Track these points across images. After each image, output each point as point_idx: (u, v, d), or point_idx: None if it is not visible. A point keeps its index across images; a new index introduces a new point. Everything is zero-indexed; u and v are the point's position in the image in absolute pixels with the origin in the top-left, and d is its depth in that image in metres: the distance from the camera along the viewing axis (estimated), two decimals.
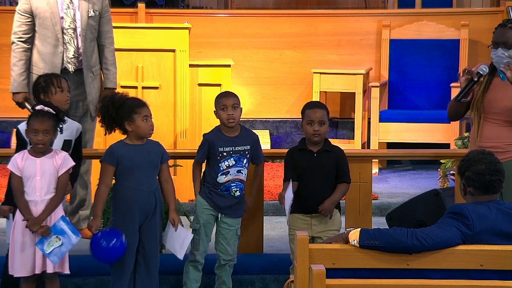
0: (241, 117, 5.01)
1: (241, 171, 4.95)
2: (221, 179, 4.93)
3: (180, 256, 4.84)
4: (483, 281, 3.62)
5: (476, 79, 4.55)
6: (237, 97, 5.03)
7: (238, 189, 4.94)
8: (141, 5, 7.52)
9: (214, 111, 5.01)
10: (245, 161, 4.96)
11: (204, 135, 5.07)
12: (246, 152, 4.96)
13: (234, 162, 4.93)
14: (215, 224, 5.01)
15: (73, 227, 4.65)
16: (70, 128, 4.90)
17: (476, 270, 3.67)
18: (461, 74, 4.62)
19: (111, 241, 4.62)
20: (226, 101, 4.95)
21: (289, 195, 4.80)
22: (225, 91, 5.25)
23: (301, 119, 5.02)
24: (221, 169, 4.93)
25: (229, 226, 4.98)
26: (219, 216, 4.97)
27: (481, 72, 4.54)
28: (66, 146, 4.86)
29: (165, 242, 4.91)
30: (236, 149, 4.94)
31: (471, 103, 4.67)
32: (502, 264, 3.67)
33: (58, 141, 4.80)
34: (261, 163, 5.11)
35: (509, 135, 4.58)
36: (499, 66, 4.54)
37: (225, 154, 4.93)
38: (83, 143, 5.69)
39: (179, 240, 4.83)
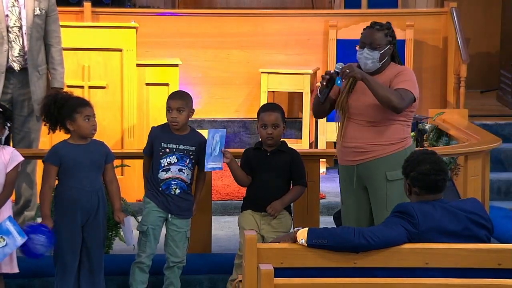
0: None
1: (183, 170, 4.94)
2: (162, 175, 4.93)
3: (133, 241, 4.87)
4: (428, 279, 3.67)
5: (333, 75, 4.58)
6: (186, 99, 4.99)
7: (178, 187, 4.94)
8: (87, 4, 7.46)
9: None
10: (188, 161, 4.95)
11: (152, 127, 5.09)
12: (190, 153, 4.95)
13: (176, 160, 4.93)
14: (164, 226, 5.00)
15: (20, 228, 4.62)
16: None
17: (422, 268, 3.72)
18: (321, 79, 4.64)
19: (37, 235, 4.62)
20: (172, 103, 4.95)
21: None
22: (176, 92, 5.22)
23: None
24: (162, 165, 4.93)
25: (178, 228, 4.97)
26: (169, 217, 4.96)
27: (337, 70, 4.59)
28: None
29: (128, 242, 4.90)
30: (179, 147, 4.94)
31: (336, 103, 4.72)
32: (447, 262, 3.73)
33: None
34: (204, 171, 5.04)
35: (370, 135, 4.64)
36: (363, 66, 4.62)
37: (167, 150, 4.93)
38: (29, 143, 5.64)
39: (130, 231, 4.85)
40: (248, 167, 4.94)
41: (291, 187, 5.00)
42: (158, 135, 4.97)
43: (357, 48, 4.67)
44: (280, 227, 4.94)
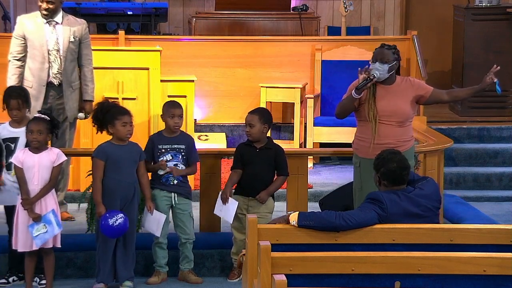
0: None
1: (178, 165, 4.97)
2: (161, 171, 4.95)
3: (158, 234, 4.88)
4: (395, 252, 3.68)
5: (371, 78, 4.66)
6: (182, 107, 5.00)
7: (174, 178, 4.96)
8: (121, 32, 7.49)
9: (161, 116, 5.01)
10: (180, 157, 4.98)
11: (150, 136, 5.14)
12: (181, 151, 4.99)
13: (171, 157, 4.97)
14: (170, 211, 5.01)
15: (59, 220, 4.66)
16: None
17: (390, 244, 3.74)
18: (360, 72, 4.70)
19: (116, 219, 4.63)
20: (174, 111, 4.95)
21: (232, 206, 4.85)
22: (173, 101, 5.18)
23: None
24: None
25: (182, 210, 5.01)
26: (173, 202, 4.94)
27: (374, 74, 4.67)
28: None
29: (144, 225, 4.92)
30: (172, 147, 4.99)
31: (366, 109, 4.71)
32: (409, 239, 3.75)
33: None
34: (194, 164, 5.01)
35: (398, 133, 4.67)
36: (373, 75, 4.68)
37: (163, 150, 4.98)
38: (63, 143, 5.65)
39: (155, 222, 4.87)
40: (241, 161, 4.97)
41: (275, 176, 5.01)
42: (154, 140, 5.01)
43: (370, 62, 4.72)
44: (265, 208, 4.98)
